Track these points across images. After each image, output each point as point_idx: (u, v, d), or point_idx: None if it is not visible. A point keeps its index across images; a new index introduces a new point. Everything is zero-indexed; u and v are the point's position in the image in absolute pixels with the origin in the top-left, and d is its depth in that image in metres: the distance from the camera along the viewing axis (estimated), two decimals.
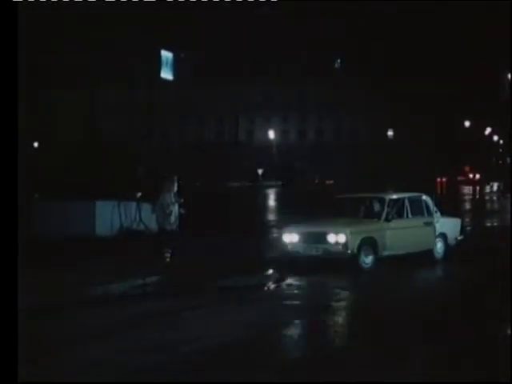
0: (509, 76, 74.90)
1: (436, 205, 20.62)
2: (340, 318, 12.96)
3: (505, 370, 8.78)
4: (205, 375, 9.06)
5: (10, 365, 7.25)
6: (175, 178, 18.11)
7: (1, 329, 7.35)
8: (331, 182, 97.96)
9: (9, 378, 7.17)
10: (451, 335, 11.15)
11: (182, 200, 17.90)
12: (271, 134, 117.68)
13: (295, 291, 15.69)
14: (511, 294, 13.19)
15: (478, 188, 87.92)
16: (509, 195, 59.38)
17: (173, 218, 17.65)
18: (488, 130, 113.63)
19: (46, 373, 9.14)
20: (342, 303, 14.28)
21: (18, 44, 8.66)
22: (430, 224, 19.82)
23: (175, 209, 17.74)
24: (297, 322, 12.34)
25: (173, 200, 17.75)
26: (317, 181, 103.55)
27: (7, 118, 8.14)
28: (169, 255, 17.50)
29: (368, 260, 18.17)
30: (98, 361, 9.73)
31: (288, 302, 14.39)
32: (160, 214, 17.98)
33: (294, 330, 11.70)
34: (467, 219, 33.88)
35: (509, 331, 11.29)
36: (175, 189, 17.93)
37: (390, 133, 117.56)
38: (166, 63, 35.41)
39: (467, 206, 53.66)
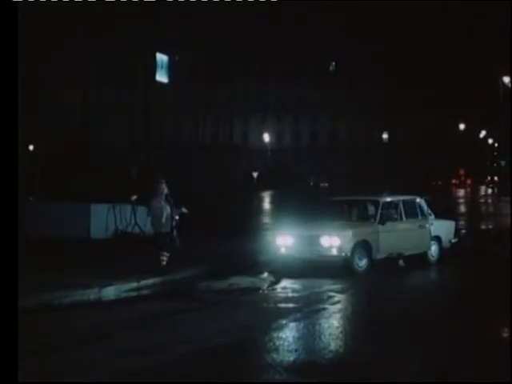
0: (504, 79, 74.85)
1: (430, 207, 20.70)
2: (335, 321, 12.97)
3: (505, 370, 8.84)
4: (201, 376, 9.11)
5: (9, 365, 7.27)
6: (163, 180, 18.01)
7: (0, 329, 7.38)
8: (326, 184, 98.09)
9: (9, 378, 7.20)
10: (450, 336, 11.21)
11: (172, 203, 17.81)
12: (266, 137, 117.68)
13: (290, 294, 15.71)
14: (511, 295, 13.26)
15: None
16: (504, 198, 59.53)
17: (163, 220, 17.58)
18: (483, 133, 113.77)
19: (44, 373, 9.18)
20: (337, 306, 14.29)
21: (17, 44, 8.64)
22: (424, 227, 19.87)
23: (167, 211, 17.67)
24: (292, 324, 12.36)
25: (162, 203, 17.67)
26: (312, 183, 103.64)
27: (7, 119, 8.14)
28: (164, 258, 17.48)
29: (362, 263, 18.19)
30: (94, 362, 9.78)
31: (283, 305, 14.42)
32: (154, 218, 17.96)
33: (289, 333, 11.72)
34: (462, 222, 33.95)
35: (508, 331, 11.32)
36: (165, 191, 17.84)
37: (385, 135, 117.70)
38: (162, 66, 35.48)
39: (462, 208, 53.75)
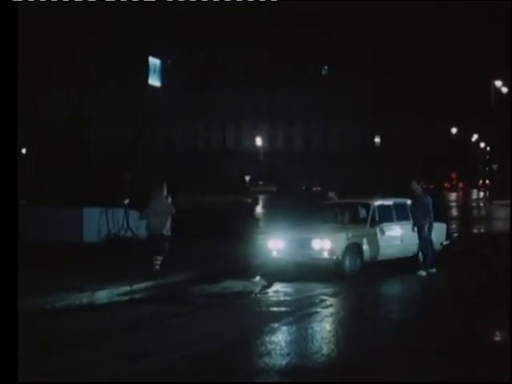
0: (496, 83, 75.08)
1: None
2: (327, 325, 13.01)
3: (505, 370, 8.90)
4: (194, 380, 9.16)
5: (9, 365, 7.30)
6: (164, 183, 18.11)
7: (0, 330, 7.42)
8: (319, 188, 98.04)
9: (9, 378, 7.23)
10: (443, 338, 11.26)
11: (173, 208, 17.87)
12: (259, 141, 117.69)
13: (282, 298, 15.74)
14: (511, 295, 13.35)
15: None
16: (496, 202, 59.70)
17: (168, 223, 17.66)
18: (475, 137, 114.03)
19: (38, 376, 9.21)
20: (329, 310, 14.32)
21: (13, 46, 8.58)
22: (415, 229, 19.89)
23: (173, 212, 17.75)
24: (284, 328, 12.38)
25: (169, 205, 17.75)
26: (304, 187, 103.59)
27: (7, 121, 8.14)
28: (157, 261, 17.53)
29: (353, 266, 18.21)
30: (87, 366, 9.81)
31: (275, 309, 14.46)
32: (156, 221, 17.89)
33: (281, 337, 11.74)
34: (454, 226, 34.02)
35: (508, 332, 11.38)
36: (165, 194, 17.94)
37: (377, 139, 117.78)
38: (154, 70, 35.48)
39: (454, 212, 53.84)
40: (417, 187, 19.36)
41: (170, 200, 17.92)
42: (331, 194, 22.15)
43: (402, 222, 19.80)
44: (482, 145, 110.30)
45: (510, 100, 68.54)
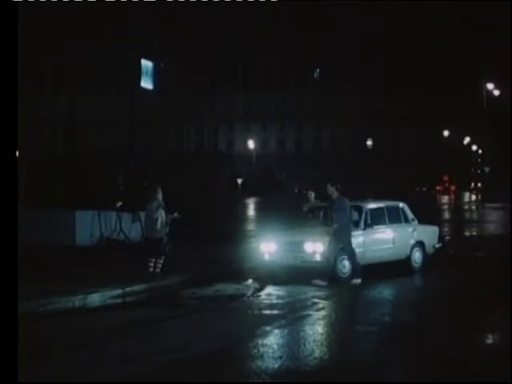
0: (488, 85, 75.29)
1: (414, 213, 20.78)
2: (320, 328, 13.02)
3: (505, 370, 8.94)
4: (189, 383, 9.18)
5: (9, 365, 7.30)
6: (159, 187, 18.21)
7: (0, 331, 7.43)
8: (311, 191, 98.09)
9: (9, 378, 7.23)
10: (437, 339, 11.29)
11: (169, 213, 18.04)
12: (251, 144, 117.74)
13: (274, 301, 15.73)
14: (511, 295, 13.40)
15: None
16: (488, 205, 59.87)
17: (158, 226, 17.75)
18: (467, 140, 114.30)
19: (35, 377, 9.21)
20: (322, 312, 14.33)
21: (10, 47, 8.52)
22: (407, 232, 19.95)
23: (162, 217, 17.84)
24: (277, 331, 12.39)
25: (154, 209, 17.85)
26: (296, 190, 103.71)
27: (6, 124, 8.12)
28: (150, 264, 17.58)
29: (346, 269, 18.19)
30: (79, 371, 9.79)
31: (267, 312, 14.45)
32: (147, 223, 18.16)
33: (274, 340, 11.75)
34: (446, 228, 34.09)
35: (508, 332, 11.41)
36: (160, 198, 18.07)
37: (369, 142, 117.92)
38: (146, 72, 35.35)
39: (446, 215, 53.94)
40: (332, 190, 18.95)
41: (162, 204, 18.04)
42: (310, 194, 22.08)
43: (395, 225, 19.84)
44: (474, 148, 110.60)
45: (510, 102, 68.75)
